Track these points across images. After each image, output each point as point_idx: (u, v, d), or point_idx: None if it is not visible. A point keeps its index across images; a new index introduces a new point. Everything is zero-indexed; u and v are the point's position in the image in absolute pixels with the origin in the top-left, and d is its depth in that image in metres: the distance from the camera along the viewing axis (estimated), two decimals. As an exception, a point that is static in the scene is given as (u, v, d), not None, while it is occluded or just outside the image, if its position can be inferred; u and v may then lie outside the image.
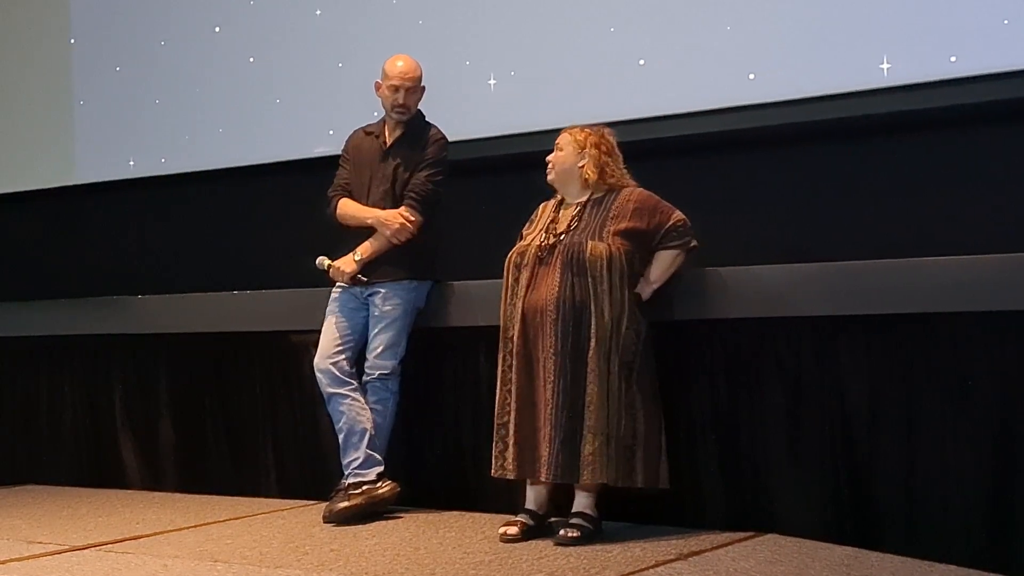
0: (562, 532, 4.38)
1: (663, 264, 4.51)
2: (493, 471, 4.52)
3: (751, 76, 5.34)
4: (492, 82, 5.98)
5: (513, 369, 4.48)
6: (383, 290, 5.06)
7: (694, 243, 4.51)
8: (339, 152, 5.33)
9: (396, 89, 5.09)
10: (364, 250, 5.05)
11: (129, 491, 6.13)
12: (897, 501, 4.21)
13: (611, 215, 4.51)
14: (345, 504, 4.91)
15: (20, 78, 7.66)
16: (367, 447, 4.96)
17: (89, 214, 7.47)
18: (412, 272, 5.08)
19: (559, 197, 4.71)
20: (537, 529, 4.48)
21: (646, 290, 4.49)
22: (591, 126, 4.67)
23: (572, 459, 4.32)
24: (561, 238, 4.51)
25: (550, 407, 4.35)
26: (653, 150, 5.18)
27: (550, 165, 4.66)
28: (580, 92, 5.69)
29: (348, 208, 5.14)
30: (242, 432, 5.90)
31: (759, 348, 4.52)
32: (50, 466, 6.55)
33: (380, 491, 4.95)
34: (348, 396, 5.01)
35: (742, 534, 4.40)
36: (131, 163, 7.16)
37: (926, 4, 5.00)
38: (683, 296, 4.58)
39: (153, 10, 7.14)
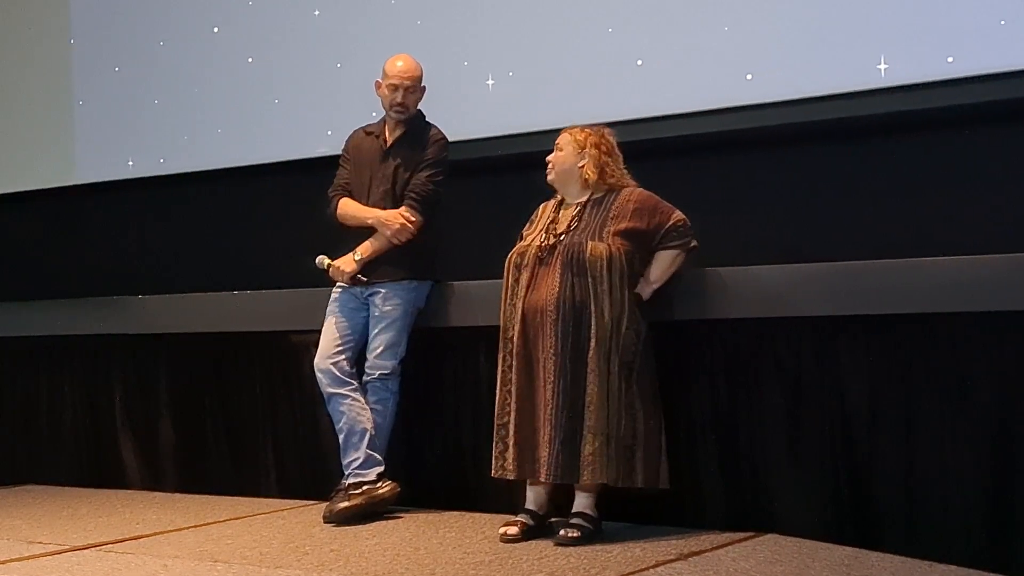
0: (562, 532, 4.39)
1: (663, 264, 4.52)
2: (493, 471, 4.52)
3: (748, 76, 5.34)
4: (490, 82, 5.99)
5: (513, 369, 4.49)
6: (383, 290, 5.06)
7: (694, 243, 4.52)
8: (338, 152, 5.34)
9: (395, 88, 5.09)
10: (364, 250, 5.05)
11: (129, 491, 6.13)
12: (897, 501, 4.21)
13: (611, 215, 4.51)
14: (345, 504, 4.91)
15: (20, 78, 7.66)
16: (367, 447, 4.97)
17: (89, 214, 7.47)
18: (412, 272, 5.09)
19: (559, 197, 4.71)
20: (537, 529, 4.49)
21: (646, 290, 4.49)
22: (591, 126, 4.67)
23: (572, 459, 4.32)
24: (561, 238, 4.51)
25: (550, 407, 4.35)
26: (651, 150, 5.18)
27: (550, 165, 4.67)
28: (578, 92, 5.69)
29: (348, 208, 5.14)
30: (242, 432, 5.90)
31: (759, 348, 4.53)
32: (50, 466, 6.55)
33: (380, 491, 4.96)
34: (348, 396, 5.02)
35: (742, 534, 4.41)
36: (130, 163, 7.17)
37: (923, 5, 5.00)
38: (683, 296, 4.58)
39: (152, 10, 7.15)
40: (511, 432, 4.45)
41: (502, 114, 5.91)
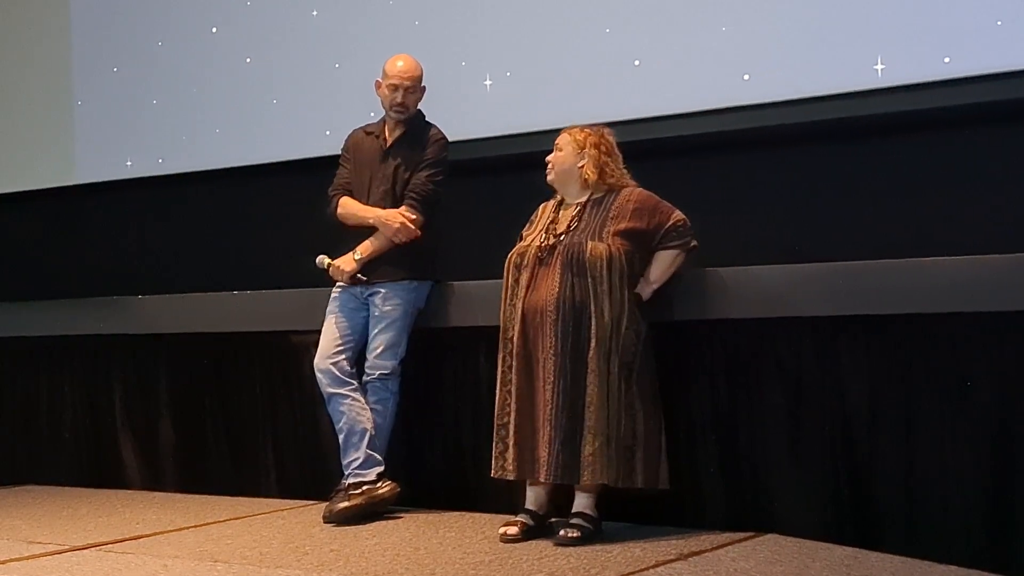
0: (562, 532, 4.39)
1: (663, 264, 4.52)
2: (493, 472, 4.52)
3: (746, 77, 5.35)
4: (488, 83, 5.99)
5: (513, 370, 4.49)
6: (383, 290, 5.06)
7: (694, 243, 4.52)
8: (337, 152, 5.34)
9: (395, 88, 5.09)
10: (364, 249, 5.05)
11: (129, 491, 6.13)
12: (897, 501, 4.22)
13: (611, 215, 4.51)
14: (345, 504, 4.91)
15: (20, 78, 7.66)
16: (367, 447, 4.97)
17: (89, 214, 7.47)
18: (412, 272, 5.09)
19: (559, 197, 4.71)
20: (537, 529, 4.49)
21: (646, 290, 4.50)
22: (591, 126, 4.67)
23: (572, 460, 4.32)
24: (561, 238, 4.51)
25: (550, 408, 4.36)
26: (649, 150, 5.18)
27: (550, 165, 4.67)
28: (576, 93, 5.70)
29: (349, 207, 5.14)
30: (242, 432, 5.90)
31: (759, 348, 4.53)
32: (50, 466, 6.55)
33: (380, 491, 4.96)
34: (348, 396, 5.02)
35: (742, 534, 4.41)
36: (129, 163, 7.17)
37: (920, 5, 5.01)
38: (683, 296, 4.59)
39: (152, 11, 7.15)
40: (511, 432, 4.45)
41: (501, 114, 5.91)
